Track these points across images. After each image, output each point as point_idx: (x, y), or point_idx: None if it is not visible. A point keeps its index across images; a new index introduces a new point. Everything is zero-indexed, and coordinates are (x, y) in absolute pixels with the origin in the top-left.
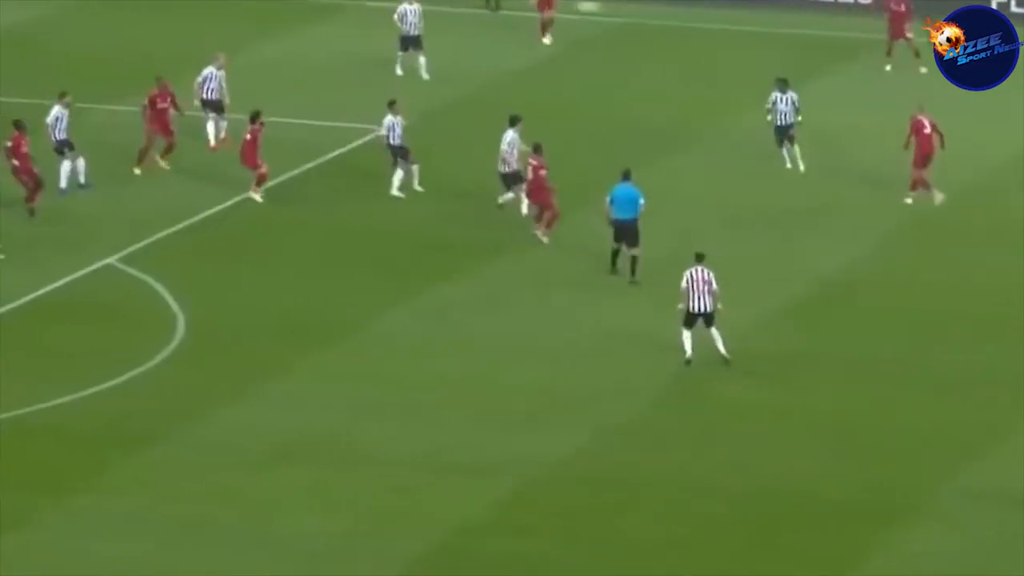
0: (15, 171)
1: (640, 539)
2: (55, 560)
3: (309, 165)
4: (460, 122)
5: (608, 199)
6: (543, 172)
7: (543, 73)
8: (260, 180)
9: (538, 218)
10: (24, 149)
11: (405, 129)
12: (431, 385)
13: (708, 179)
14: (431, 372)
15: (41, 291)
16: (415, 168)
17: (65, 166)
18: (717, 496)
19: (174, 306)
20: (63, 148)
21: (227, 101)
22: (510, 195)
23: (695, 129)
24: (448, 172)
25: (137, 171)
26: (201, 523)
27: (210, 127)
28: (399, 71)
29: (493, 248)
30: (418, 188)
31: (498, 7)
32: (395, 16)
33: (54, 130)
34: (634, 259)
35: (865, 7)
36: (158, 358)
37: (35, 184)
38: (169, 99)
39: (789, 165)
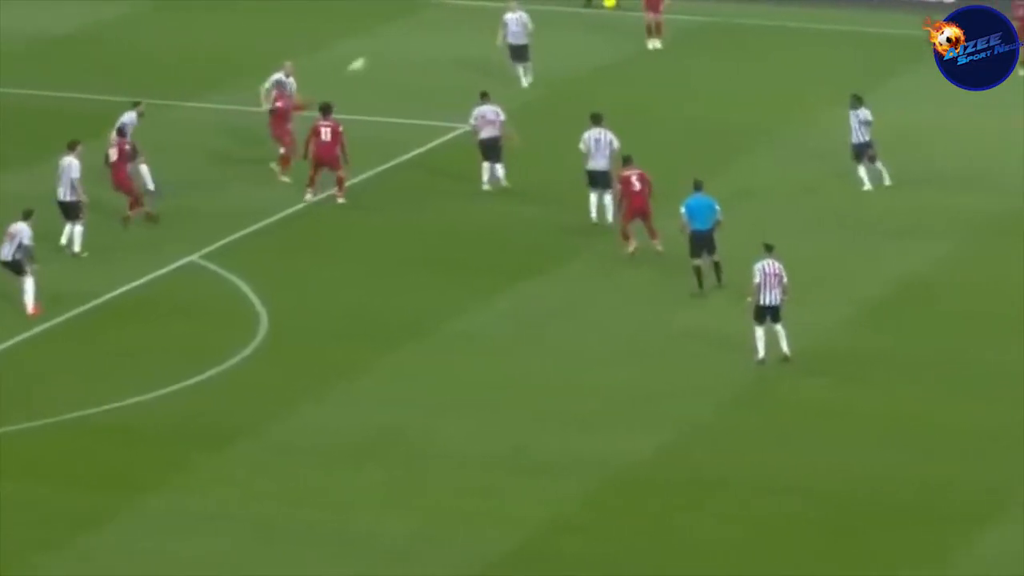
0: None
1: (715, 539)
2: (135, 558)
3: (390, 163)
4: (545, 120)
5: (683, 211)
6: (637, 186)
7: (629, 71)
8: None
9: (650, 233)
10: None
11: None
12: (509, 385)
13: (786, 179)
14: (509, 372)
15: (124, 289)
16: (499, 167)
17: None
18: (793, 496)
19: (256, 304)
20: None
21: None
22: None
23: (774, 128)
24: (530, 171)
25: (285, 178)
26: (278, 522)
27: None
28: (523, 83)
29: (571, 248)
30: (504, 184)
31: (589, 3)
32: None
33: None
34: (716, 264)
35: (950, 6)
36: (240, 356)
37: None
38: (290, 104)
39: (867, 187)
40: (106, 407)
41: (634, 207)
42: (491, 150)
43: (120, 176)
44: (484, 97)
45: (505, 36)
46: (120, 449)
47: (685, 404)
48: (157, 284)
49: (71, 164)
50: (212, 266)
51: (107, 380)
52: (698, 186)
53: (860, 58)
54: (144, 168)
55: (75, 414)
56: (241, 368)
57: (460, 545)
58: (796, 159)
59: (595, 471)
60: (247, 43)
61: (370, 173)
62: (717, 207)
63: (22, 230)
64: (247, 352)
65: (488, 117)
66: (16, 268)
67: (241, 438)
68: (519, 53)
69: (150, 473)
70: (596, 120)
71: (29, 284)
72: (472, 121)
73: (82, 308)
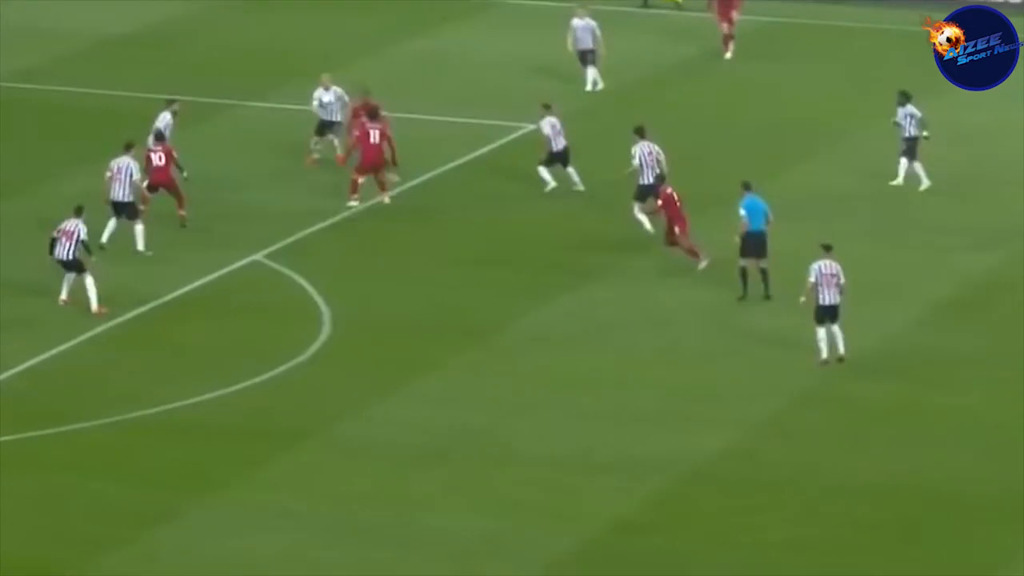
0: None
1: (784, 538)
2: (202, 556)
3: (455, 163)
4: (609, 120)
5: (743, 212)
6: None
7: (699, 72)
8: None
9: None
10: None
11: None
12: (577, 384)
13: (851, 180)
14: (576, 371)
15: (188, 287)
16: (572, 171)
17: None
18: (862, 496)
19: (320, 302)
20: None
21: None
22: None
23: (841, 130)
24: (595, 171)
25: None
26: (345, 521)
27: (337, 143)
28: (588, 87)
29: (637, 248)
30: (579, 188)
31: (646, 3)
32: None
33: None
34: (764, 272)
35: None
36: (305, 354)
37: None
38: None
39: (898, 180)
40: (173, 405)
41: (685, 221)
42: (562, 157)
43: (167, 177)
44: (547, 108)
45: (573, 41)
46: (187, 447)
47: (752, 404)
48: (222, 283)
49: (129, 165)
50: (276, 265)
51: (174, 378)
52: (748, 187)
53: (920, 58)
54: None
55: (142, 412)
56: (306, 367)
57: (527, 543)
58: (856, 159)
59: (663, 470)
60: (312, 42)
61: (434, 173)
62: (768, 209)
63: (78, 227)
64: (312, 351)
65: (557, 128)
66: (76, 267)
67: (308, 436)
68: (586, 58)
69: (216, 471)
70: (641, 133)
71: (90, 282)
72: (546, 132)
73: (148, 306)
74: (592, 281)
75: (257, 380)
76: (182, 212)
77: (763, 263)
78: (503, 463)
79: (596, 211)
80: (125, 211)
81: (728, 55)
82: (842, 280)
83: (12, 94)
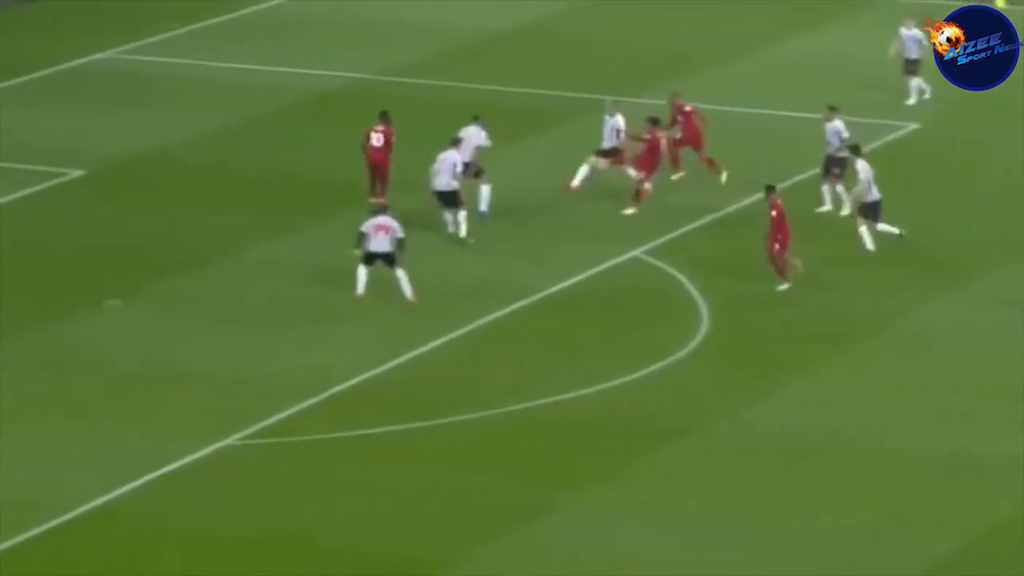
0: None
1: None
2: (573, 552)
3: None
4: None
5: None
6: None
7: None
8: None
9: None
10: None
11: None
12: (954, 385)
13: None
14: (955, 372)
15: (567, 283)
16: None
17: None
18: None
19: (699, 300)
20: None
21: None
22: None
23: None
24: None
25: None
26: (716, 519)
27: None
28: (911, 99)
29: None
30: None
31: None
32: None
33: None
34: None
35: None
36: (682, 352)
37: None
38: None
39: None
40: (548, 399)
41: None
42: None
43: (383, 161)
44: (832, 111)
45: (899, 51)
46: (562, 442)
47: None
48: (600, 279)
49: (455, 157)
50: (655, 261)
51: (551, 373)
52: None
53: None
54: (486, 189)
55: (519, 406)
56: (686, 364)
57: (898, 546)
58: None
59: None
60: (693, 39)
61: (813, 172)
62: None
63: (392, 223)
64: (689, 348)
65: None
66: (391, 260)
67: (683, 435)
68: (911, 68)
69: (591, 467)
70: (856, 151)
71: (403, 275)
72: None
73: (525, 301)
74: (977, 280)
75: (635, 376)
76: (381, 200)
77: None
78: (873, 464)
79: (986, 212)
80: (448, 200)
81: None
82: None
83: (389, 88)
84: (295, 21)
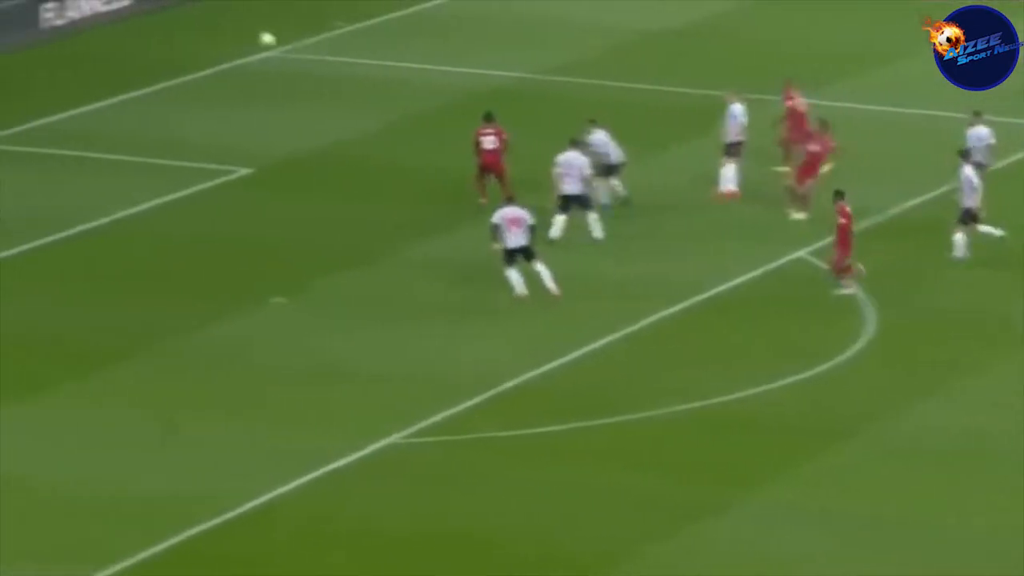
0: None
1: None
2: (740, 553)
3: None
4: None
5: None
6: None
7: None
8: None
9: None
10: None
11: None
12: None
13: None
14: None
15: (733, 283)
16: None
17: None
18: None
19: (865, 301)
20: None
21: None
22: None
23: None
24: None
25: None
26: (881, 522)
27: (725, 172)
28: None
29: None
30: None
31: None
32: None
33: None
34: None
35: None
36: (848, 352)
37: None
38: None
39: None
40: (716, 400)
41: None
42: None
43: (498, 163)
44: (977, 116)
45: None
46: (728, 442)
47: None
48: (764, 279)
49: (580, 159)
50: (821, 263)
51: (717, 373)
52: None
53: None
54: (616, 182)
55: (685, 406)
56: (852, 365)
57: None
58: None
59: None
60: (856, 39)
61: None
62: None
63: (523, 213)
64: (854, 349)
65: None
66: (529, 254)
67: (849, 436)
68: None
69: (758, 468)
70: (967, 156)
71: (542, 267)
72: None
73: (691, 301)
74: None
75: (801, 377)
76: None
77: None
78: (1013, 469)
79: None
80: (579, 203)
81: None
82: None
83: (550, 88)
84: (459, 19)
